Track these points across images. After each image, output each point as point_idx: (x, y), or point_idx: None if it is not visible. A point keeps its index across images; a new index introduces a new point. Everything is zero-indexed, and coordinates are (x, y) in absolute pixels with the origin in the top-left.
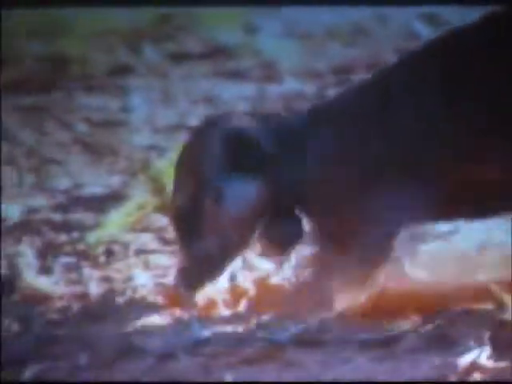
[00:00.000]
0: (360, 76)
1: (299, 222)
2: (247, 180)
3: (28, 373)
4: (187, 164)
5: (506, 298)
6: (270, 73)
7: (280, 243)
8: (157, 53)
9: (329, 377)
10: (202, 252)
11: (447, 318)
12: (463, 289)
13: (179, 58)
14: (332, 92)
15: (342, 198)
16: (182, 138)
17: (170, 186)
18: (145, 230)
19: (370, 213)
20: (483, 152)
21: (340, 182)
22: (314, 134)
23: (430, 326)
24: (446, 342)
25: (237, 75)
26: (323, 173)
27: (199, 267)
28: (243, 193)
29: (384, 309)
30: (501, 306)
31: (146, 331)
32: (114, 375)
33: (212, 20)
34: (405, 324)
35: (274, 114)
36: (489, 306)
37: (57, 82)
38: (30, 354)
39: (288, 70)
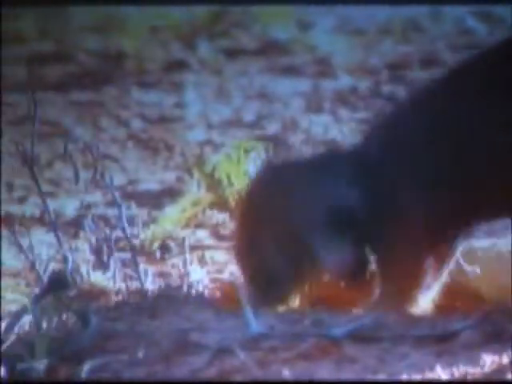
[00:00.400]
0: (414, 73)
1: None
2: (342, 244)
3: (86, 368)
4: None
5: None
6: (324, 68)
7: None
8: (211, 49)
9: (385, 373)
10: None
11: (504, 313)
12: None
13: (234, 53)
14: (386, 88)
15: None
16: (237, 134)
17: (224, 181)
18: (200, 225)
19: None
20: None
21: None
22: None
23: (486, 322)
24: (502, 337)
25: (291, 71)
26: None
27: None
28: (339, 256)
29: (441, 305)
30: None
31: (203, 327)
32: (171, 370)
33: (266, 16)
34: (461, 320)
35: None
36: None
37: (112, 78)
38: (88, 349)
39: (342, 66)
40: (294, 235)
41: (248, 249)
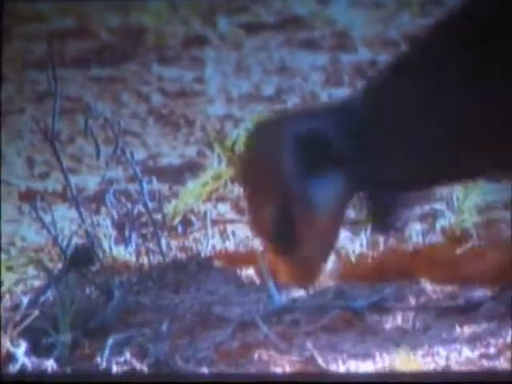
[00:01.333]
0: None
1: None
2: (328, 180)
3: (110, 342)
4: (264, 175)
5: None
6: (342, 42)
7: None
8: (231, 24)
9: (408, 344)
10: (302, 258)
11: None
12: None
13: (253, 28)
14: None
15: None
16: (257, 108)
17: (245, 156)
18: (221, 199)
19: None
20: None
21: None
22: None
23: (508, 293)
24: None
25: (310, 45)
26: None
27: (303, 270)
28: (327, 193)
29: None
30: None
31: (226, 300)
32: (195, 343)
33: None
34: (483, 291)
35: (335, 105)
36: None
37: (132, 54)
38: (112, 324)
39: (361, 40)
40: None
41: (252, 202)
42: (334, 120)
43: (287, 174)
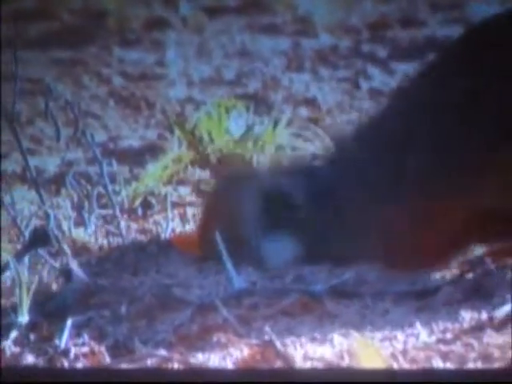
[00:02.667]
0: (394, 32)
1: None
2: (284, 238)
3: (69, 323)
4: (223, 221)
5: None
6: (304, 27)
7: None
8: (192, 7)
9: (366, 329)
10: None
11: (483, 270)
12: None
13: (215, 12)
14: (366, 47)
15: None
16: (218, 92)
17: (205, 139)
18: (181, 182)
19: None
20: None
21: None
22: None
23: (466, 279)
24: (481, 294)
25: (272, 29)
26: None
27: None
28: (281, 251)
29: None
30: None
31: (185, 282)
32: (154, 326)
33: None
34: (441, 276)
35: (301, 166)
36: None
37: (93, 36)
38: (71, 305)
39: (323, 25)
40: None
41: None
42: (300, 183)
43: (244, 222)
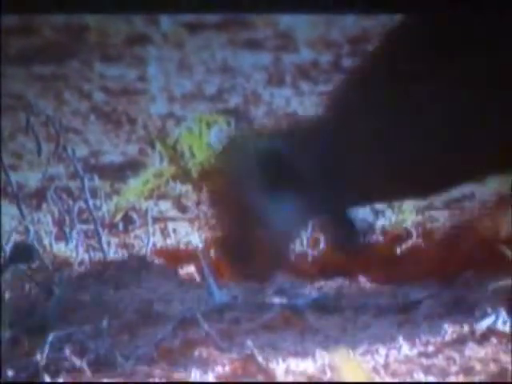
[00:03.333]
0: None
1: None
2: (286, 201)
3: (51, 338)
4: (225, 191)
5: None
6: (285, 42)
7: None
8: (173, 23)
9: (348, 343)
10: (253, 268)
11: (464, 283)
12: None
13: (195, 28)
14: (347, 62)
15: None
16: (199, 107)
17: (186, 154)
18: (162, 197)
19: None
20: None
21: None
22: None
23: (446, 292)
24: (463, 307)
25: (253, 45)
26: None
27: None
28: (283, 214)
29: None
30: None
31: (166, 297)
32: (135, 341)
33: None
34: (422, 289)
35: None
36: (503, 270)
37: (75, 51)
38: (52, 320)
39: (303, 40)
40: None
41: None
42: (297, 142)
43: (246, 189)
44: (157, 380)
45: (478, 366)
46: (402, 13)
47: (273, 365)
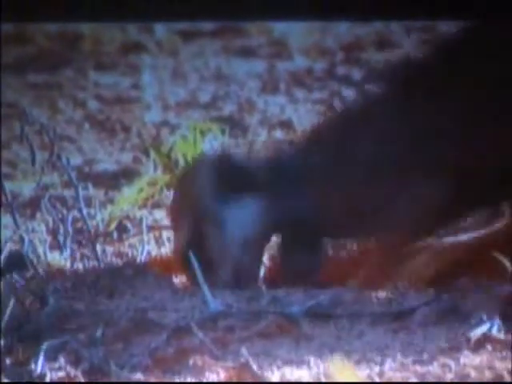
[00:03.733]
0: (369, 54)
1: (318, 248)
2: (246, 202)
3: (45, 347)
4: (182, 201)
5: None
6: (279, 50)
7: (299, 270)
8: (167, 30)
9: (343, 351)
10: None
11: (459, 291)
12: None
13: (189, 35)
14: (341, 69)
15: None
16: (193, 115)
17: (181, 162)
18: (157, 206)
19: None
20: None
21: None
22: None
23: (442, 300)
24: (458, 315)
25: (247, 52)
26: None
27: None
28: (244, 215)
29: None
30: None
31: (160, 305)
32: (129, 349)
33: None
34: (417, 297)
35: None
36: (499, 277)
37: (69, 60)
38: (47, 329)
39: (298, 48)
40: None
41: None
42: (262, 159)
43: (203, 196)
44: None
45: (473, 374)
46: (397, 20)
47: (267, 373)
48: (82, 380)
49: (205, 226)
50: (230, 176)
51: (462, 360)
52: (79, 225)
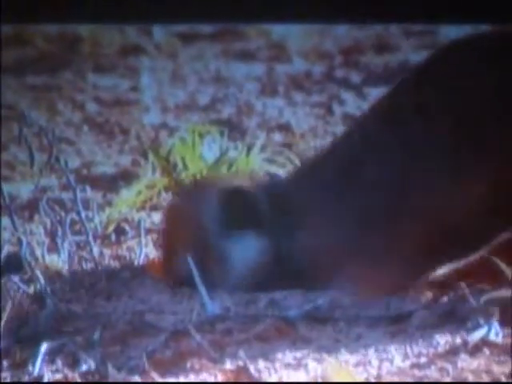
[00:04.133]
0: (367, 57)
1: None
2: (248, 237)
3: (43, 349)
4: (184, 225)
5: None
6: (278, 53)
7: None
8: (166, 33)
9: (340, 354)
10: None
11: (457, 294)
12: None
13: (188, 38)
14: (340, 73)
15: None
16: (192, 118)
17: (179, 165)
18: (155, 208)
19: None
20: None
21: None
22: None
23: (440, 303)
24: (456, 318)
25: (246, 55)
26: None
27: None
28: (246, 250)
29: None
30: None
31: (158, 308)
32: (127, 351)
33: None
34: (415, 301)
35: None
36: (497, 281)
37: (68, 62)
38: (44, 331)
39: (296, 51)
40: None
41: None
42: (259, 185)
43: (205, 227)
44: None
45: (470, 377)
46: (395, 23)
47: (265, 376)
48: (80, 382)
49: (206, 256)
50: (235, 208)
51: (460, 364)
52: (77, 227)
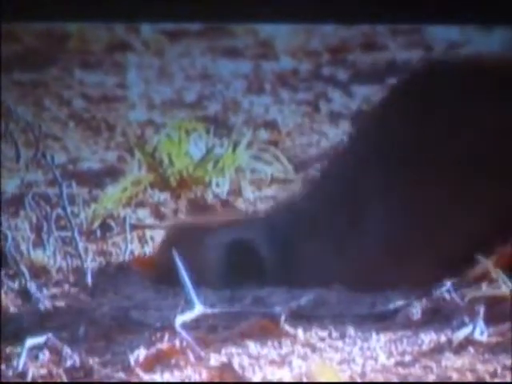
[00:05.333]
0: (354, 55)
1: None
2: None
3: (27, 345)
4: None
5: (497, 272)
6: (265, 50)
7: None
8: (153, 30)
9: (327, 350)
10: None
11: (442, 292)
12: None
13: (175, 35)
14: (326, 70)
15: None
16: (178, 115)
17: (165, 162)
18: (140, 205)
19: None
20: None
21: None
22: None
23: (424, 301)
24: (440, 316)
25: (233, 53)
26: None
27: None
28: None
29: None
30: (493, 280)
31: (143, 305)
32: (112, 348)
33: None
34: (400, 298)
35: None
36: (482, 280)
37: (55, 58)
38: (29, 327)
39: (283, 48)
40: None
41: None
42: (257, 229)
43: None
44: None
45: (454, 376)
46: (382, 24)
47: (249, 373)
48: (64, 378)
49: None
50: (236, 260)
51: (444, 362)
52: (63, 223)
